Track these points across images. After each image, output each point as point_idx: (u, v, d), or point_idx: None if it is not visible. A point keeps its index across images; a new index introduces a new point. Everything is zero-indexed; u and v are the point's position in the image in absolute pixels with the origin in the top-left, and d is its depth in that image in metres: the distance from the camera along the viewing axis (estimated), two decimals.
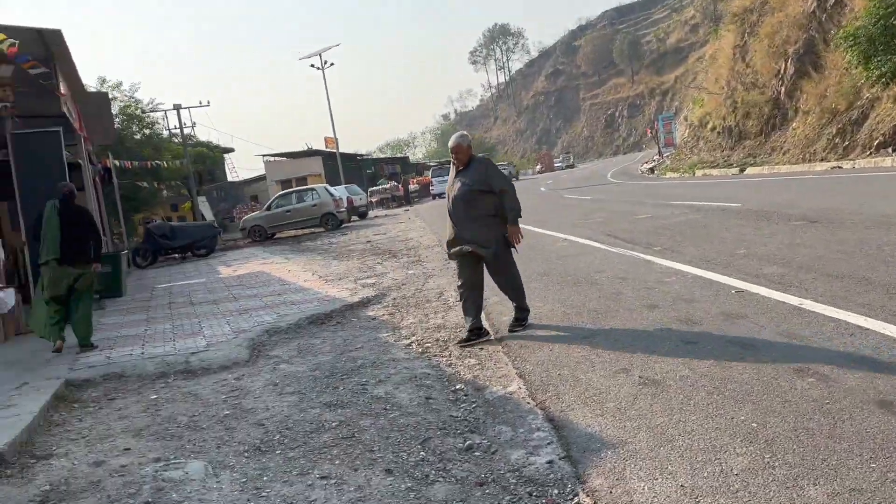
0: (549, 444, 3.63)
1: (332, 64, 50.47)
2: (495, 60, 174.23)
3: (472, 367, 5.39)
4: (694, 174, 33.24)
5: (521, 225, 6.13)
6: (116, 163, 21.78)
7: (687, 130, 48.18)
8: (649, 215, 14.23)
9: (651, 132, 61.80)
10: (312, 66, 49.76)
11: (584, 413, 3.92)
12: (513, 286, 6.20)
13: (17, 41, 8.06)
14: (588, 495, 2.88)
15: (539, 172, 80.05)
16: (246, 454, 4.00)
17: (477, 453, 3.68)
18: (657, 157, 53.19)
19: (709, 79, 44.41)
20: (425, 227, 21.33)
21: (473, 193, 5.91)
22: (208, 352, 6.65)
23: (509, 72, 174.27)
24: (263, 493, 3.40)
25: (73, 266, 7.23)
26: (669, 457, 3.08)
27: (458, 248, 6.06)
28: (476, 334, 6.03)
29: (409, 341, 6.54)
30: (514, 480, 3.25)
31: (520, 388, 4.65)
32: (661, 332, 5.32)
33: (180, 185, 36.80)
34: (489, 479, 3.30)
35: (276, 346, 6.98)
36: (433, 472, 3.48)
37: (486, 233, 5.95)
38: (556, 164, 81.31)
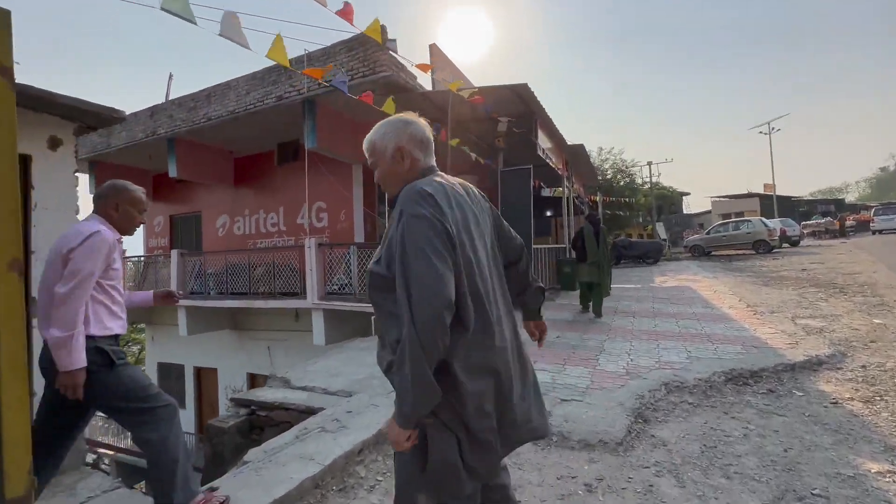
0: None
1: (778, 129, 36.97)
2: None
3: None
4: None
5: None
6: (598, 198, 18.87)
7: None
8: None
9: None
10: (760, 132, 37.17)
11: None
12: None
13: (473, 92, 5.72)
14: None
15: None
16: None
17: None
18: None
19: None
20: (873, 260, 12.18)
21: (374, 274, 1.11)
22: (581, 403, 3.11)
23: None
24: None
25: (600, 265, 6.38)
26: None
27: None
28: None
29: None
30: None
31: None
32: None
33: (646, 214, 31.79)
34: None
35: (668, 416, 2.95)
36: None
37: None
38: None
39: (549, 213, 14.99)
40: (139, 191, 2.04)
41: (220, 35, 2.80)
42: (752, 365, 3.78)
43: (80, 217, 2.68)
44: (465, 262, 1.08)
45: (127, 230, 1.99)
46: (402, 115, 1.26)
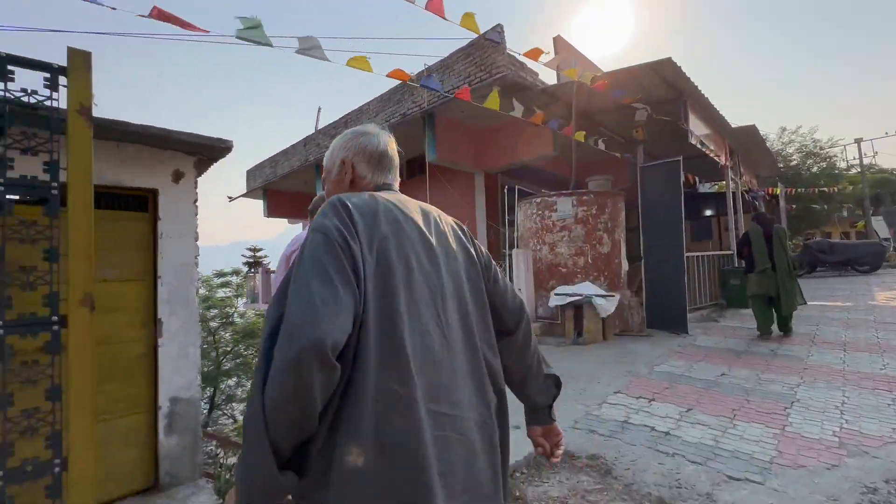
0: None
1: None
2: None
3: None
4: None
5: None
6: (779, 190, 15.15)
7: None
8: None
9: None
10: None
11: None
12: None
13: (596, 77, 4.84)
14: None
15: None
16: None
17: None
18: None
19: None
20: None
21: None
22: (761, 488, 2.15)
23: None
24: None
25: (776, 272, 5.21)
26: None
27: None
28: None
29: None
30: None
31: None
32: None
33: (853, 207, 24.79)
34: None
35: None
36: None
37: None
38: None
39: (708, 213, 12.62)
40: None
41: (297, 52, 2.79)
42: None
43: (200, 243, 2.89)
44: (387, 293, 0.76)
45: None
46: (360, 126, 1.05)
